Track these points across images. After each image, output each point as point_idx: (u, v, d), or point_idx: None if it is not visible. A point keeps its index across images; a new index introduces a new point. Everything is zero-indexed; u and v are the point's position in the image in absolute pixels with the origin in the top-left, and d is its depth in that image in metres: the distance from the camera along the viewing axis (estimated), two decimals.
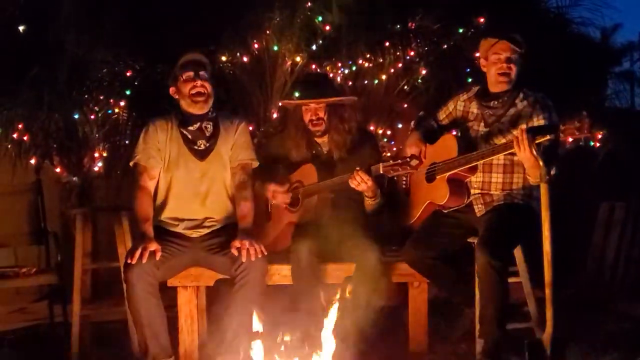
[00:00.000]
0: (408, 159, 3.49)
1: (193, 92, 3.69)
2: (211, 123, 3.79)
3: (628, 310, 4.59)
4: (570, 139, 3.21)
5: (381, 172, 3.59)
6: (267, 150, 4.19)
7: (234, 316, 3.54)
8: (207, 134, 3.78)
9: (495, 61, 3.65)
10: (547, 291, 3.24)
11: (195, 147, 3.77)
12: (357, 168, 3.63)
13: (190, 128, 3.76)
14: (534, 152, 3.25)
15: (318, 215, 3.90)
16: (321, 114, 3.89)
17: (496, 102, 3.70)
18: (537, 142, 3.25)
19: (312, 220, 3.89)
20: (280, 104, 4.10)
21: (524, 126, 3.50)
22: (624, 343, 3.87)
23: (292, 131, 4.01)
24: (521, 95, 3.67)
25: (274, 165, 4.08)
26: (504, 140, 3.58)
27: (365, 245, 3.67)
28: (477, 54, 3.89)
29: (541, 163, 3.23)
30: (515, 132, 3.51)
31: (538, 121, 3.55)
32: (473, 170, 3.68)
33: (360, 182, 3.63)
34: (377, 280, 3.68)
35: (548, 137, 3.26)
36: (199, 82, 3.69)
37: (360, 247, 3.68)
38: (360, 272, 3.69)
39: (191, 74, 3.69)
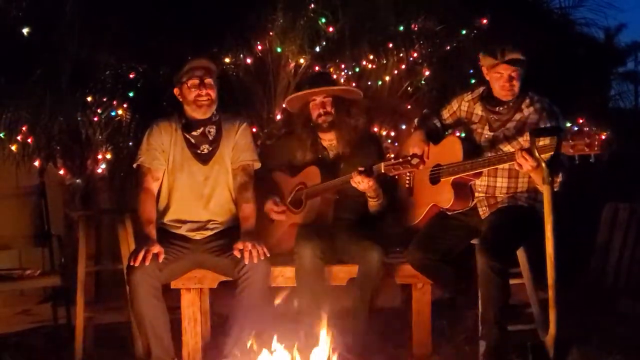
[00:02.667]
0: (409, 158, 3.49)
1: (198, 99, 3.69)
2: (214, 126, 3.80)
3: (632, 312, 4.58)
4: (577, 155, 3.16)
5: (382, 171, 3.60)
6: (271, 153, 4.20)
7: (237, 318, 3.54)
8: (210, 138, 3.78)
9: (498, 78, 3.62)
10: (550, 293, 3.23)
11: (199, 152, 3.78)
12: (360, 168, 3.63)
13: (194, 133, 3.77)
14: (536, 154, 3.24)
15: (322, 216, 3.90)
16: (329, 108, 3.90)
17: (501, 108, 3.68)
18: (539, 149, 3.24)
19: (316, 222, 3.89)
20: (287, 99, 4.08)
21: (520, 140, 3.50)
22: (628, 344, 3.86)
23: (299, 132, 4.01)
24: (527, 100, 3.65)
25: (276, 173, 4.09)
26: (510, 147, 3.57)
27: (368, 246, 3.67)
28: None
29: (543, 165, 3.21)
30: (520, 142, 3.50)
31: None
32: (478, 174, 3.67)
33: (361, 181, 3.63)
34: (380, 281, 3.68)
35: (550, 139, 3.24)
36: (204, 91, 3.69)
37: (363, 248, 3.68)
38: (363, 273, 3.69)
39: (197, 81, 3.69)
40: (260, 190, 3.96)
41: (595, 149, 3.09)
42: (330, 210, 3.93)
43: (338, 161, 3.98)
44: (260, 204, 3.93)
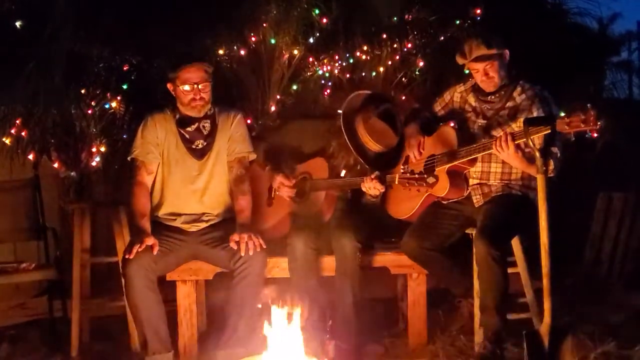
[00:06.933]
0: (425, 176, 3.45)
1: (192, 103, 3.68)
2: (209, 121, 3.78)
3: (626, 300, 4.61)
4: (573, 132, 3.18)
5: (396, 182, 3.59)
6: (280, 136, 4.17)
7: (233, 310, 3.54)
8: (205, 133, 3.78)
9: (475, 74, 3.71)
10: (545, 282, 3.25)
11: (193, 147, 3.77)
12: (373, 176, 3.62)
13: (188, 129, 3.75)
14: (530, 143, 3.24)
15: (322, 212, 3.90)
16: None
17: (493, 97, 3.71)
18: (531, 134, 3.24)
19: (313, 214, 3.88)
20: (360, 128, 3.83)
21: (514, 126, 3.51)
22: (622, 333, 3.88)
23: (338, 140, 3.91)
24: (519, 88, 3.68)
25: (284, 152, 4.05)
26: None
27: (339, 234, 3.70)
28: None
29: (537, 155, 3.22)
30: (513, 128, 3.52)
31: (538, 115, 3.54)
32: (473, 162, 3.68)
33: (373, 187, 3.64)
34: (357, 267, 3.70)
35: (543, 128, 3.25)
36: (198, 96, 3.67)
37: (336, 237, 3.72)
38: (338, 262, 3.72)
39: (191, 86, 3.66)
40: (267, 164, 3.95)
41: (591, 124, 3.10)
42: (332, 209, 3.92)
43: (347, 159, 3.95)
44: (259, 184, 3.93)
